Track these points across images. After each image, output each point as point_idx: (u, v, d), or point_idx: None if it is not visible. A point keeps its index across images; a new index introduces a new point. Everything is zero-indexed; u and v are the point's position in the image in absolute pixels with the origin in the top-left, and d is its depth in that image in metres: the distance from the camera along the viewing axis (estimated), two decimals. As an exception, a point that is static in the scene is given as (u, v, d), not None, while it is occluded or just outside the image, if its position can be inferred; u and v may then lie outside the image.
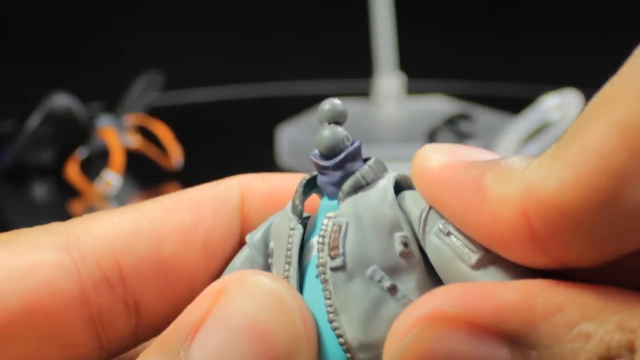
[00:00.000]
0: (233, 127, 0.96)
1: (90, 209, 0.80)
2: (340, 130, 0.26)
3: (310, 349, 0.25)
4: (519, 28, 1.09)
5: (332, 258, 0.25)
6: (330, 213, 0.26)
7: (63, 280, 0.27)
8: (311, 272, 0.26)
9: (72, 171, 0.81)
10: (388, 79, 0.87)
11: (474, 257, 0.25)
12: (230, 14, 1.08)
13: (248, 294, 0.25)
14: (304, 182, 0.27)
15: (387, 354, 0.24)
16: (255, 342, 0.24)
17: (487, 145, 0.80)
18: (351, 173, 0.26)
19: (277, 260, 0.27)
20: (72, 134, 0.82)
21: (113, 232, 0.28)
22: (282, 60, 1.08)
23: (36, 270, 0.27)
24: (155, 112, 0.88)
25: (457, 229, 0.25)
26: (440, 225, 0.25)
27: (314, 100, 0.90)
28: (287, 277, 0.26)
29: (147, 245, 0.28)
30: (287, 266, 0.26)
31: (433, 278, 0.25)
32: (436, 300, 0.23)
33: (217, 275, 0.29)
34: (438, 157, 0.25)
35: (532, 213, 0.22)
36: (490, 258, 0.25)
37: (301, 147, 0.83)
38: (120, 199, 0.79)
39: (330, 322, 0.25)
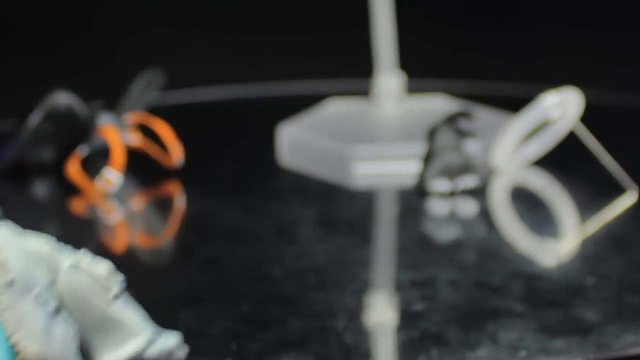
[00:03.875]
0: (233, 126, 0.96)
1: (91, 207, 0.81)
2: None
3: None
4: (519, 28, 1.09)
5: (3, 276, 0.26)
6: None
7: None
8: None
9: (73, 169, 0.81)
10: (388, 79, 0.87)
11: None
12: (231, 14, 1.08)
13: None
14: None
15: None
16: None
17: (487, 144, 0.80)
18: None
19: None
20: (73, 132, 0.82)
21: None
22: (282, 60, 1.08)
23: None
24: (156, 111, 0.88)
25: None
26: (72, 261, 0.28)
27: (314, 100, 0.90)
28: None
29: None
30: None
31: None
32: None
33: None
34: None
35: None
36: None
37: (301, 147, 0.84)
38: (121, 197, 0.79)
39: (10, 336, 0.26)
